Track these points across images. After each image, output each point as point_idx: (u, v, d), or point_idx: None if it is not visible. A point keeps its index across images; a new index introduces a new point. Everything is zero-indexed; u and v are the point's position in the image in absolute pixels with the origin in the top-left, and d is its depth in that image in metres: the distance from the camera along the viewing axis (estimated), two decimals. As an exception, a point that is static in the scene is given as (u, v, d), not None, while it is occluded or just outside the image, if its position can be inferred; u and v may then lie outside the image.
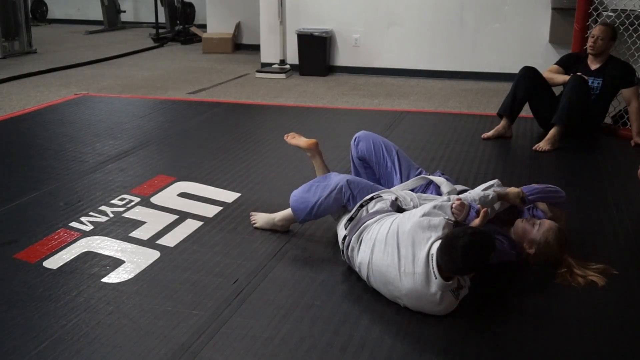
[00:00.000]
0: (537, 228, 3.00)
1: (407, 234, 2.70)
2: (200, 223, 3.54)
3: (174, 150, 4.91)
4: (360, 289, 2.88)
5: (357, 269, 2.91)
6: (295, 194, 3.31)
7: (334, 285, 2.93)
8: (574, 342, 2.54)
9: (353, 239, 2.92)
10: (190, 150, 4.85)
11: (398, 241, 2.71)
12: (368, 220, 2.93)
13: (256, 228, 3.47)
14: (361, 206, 3.03)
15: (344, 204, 3.17)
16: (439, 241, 2.61)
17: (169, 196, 3.90)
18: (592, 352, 2.48)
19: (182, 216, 3.62)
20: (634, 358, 2.47)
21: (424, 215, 2.75)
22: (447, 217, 2.75)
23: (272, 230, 3.44)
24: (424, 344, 2.51)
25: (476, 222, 2.78)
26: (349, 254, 2.95)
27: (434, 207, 2.81)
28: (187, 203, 3.80)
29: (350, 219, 3.01)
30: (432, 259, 2.59)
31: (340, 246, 3.02)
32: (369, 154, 3.52)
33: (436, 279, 2.58)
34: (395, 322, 2.64)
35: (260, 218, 3.49)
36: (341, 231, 3.05)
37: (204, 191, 3.98)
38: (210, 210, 3.70)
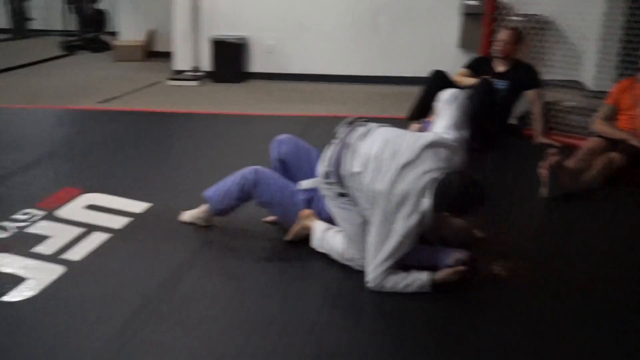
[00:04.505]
0: (448, 226, 3.13)
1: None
2: (108, 235, 3.45)
3: (82, 161, 4.77)
4: (270, 298, 2.87)
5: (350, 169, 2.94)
6: (212, 187, 3.46)
7: (245, 293, 2.91)
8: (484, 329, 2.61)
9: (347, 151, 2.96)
10: (99, 161, 4.72)
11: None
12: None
13: (181, 222, 3.56)
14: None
15: (248, 190, 3.33)
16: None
17: (75, 209, 3.79)
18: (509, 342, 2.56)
19: (89, 229, 3.52)
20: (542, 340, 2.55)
21: None
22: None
23: (195, 224, 3.52)
24: (335, 347, 2.52)
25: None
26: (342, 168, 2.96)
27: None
28: (94, 215, 3.70)
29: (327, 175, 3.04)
30: (432, 184, 2.77)
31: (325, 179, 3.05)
32: (290, 157, 3.49)
33: (429, 198, 2.75)
34: (305, 330, 2.64)
35: (185, 212, 3.58)
36: (321, 171, 3.07)
37: (112, 202, 3.88)
38: (119, 222, 3.62)
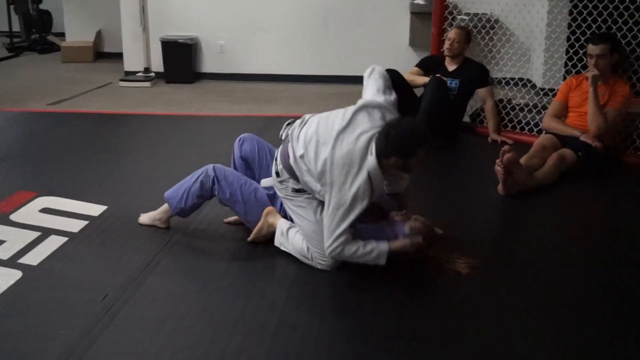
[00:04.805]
0: (409, 224, 3.11)
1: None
2: (65, 239, 3.40)
3: (34, 164, 4.68)
4: (234, 298, 2.86)
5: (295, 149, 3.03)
6: (172, 188, 3.45)
7: (208, 294, 2.90)
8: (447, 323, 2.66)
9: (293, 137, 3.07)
10: (52, 164, 4.64)
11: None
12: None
13: (140, 224, 3.52)
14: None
15: (209, 187, 3.32)
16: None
17: (30, 212, 3.71)
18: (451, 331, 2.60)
19: (45, 233, 3.45)
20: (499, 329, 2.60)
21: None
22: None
23: (154, 226, 3.49)
24: (300, 346, 2.53)
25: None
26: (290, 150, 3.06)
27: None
28: (50, 219, 3.64)
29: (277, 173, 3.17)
30: (372, 142, 2.85)
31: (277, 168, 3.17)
32: (252, 155, 3.50)
33: (371, 155, 2.82)
34: (270, 330, 2.63)
35: (143, 215, 3.55)
36: (274, 172, 3.20)
37: (68, 205, 3.82)
38: (76, 225, 3.56)
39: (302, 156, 3.00)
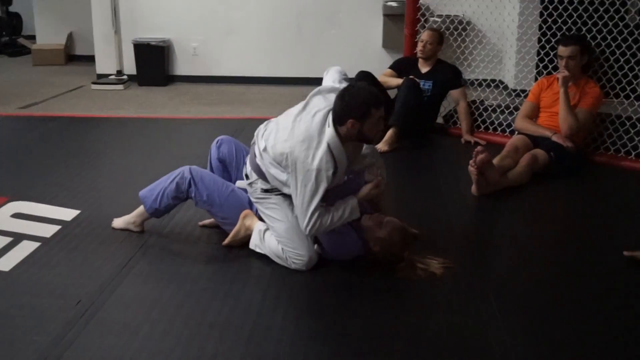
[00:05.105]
0: (382, 226, 3.12)
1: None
2: (37, 244, 3.36)
3: (5, 168, 4.62)
4: (210, 301, 2.86)
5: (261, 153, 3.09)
6: (147, 187, 3.44)
7: (183, 298, 2.88)
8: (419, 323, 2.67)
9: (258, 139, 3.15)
10: (23, 168, 4.58)
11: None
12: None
13: (113, 228, 3.51)
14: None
15: (184, 189, 3.32)
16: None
17: (1, 218, 3.67)
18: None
19: (17, 238, 3.41)
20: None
21: None
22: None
23: (128, 230, 3.47)
24: (276, 349, 2.53)
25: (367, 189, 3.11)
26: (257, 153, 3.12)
27: None
28: (22, 224, 3.59)
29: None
30: (329, 116, 2.94)
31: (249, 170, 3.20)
32: (229, 157, 3.51)
33: (329, 127, 2.90)
34: (246, 333, 2.63)
35: (117, 219, 3.53)
36: (248, 176, 3.22)
37: (40, 210, 3.78)
38: (48, 230, 3.52)
39: (264, 149, 3.07)
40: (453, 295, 2.96)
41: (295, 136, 2.94)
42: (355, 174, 3.24)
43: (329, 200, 3.04)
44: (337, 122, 2.93)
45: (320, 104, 3.02)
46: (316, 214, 2.96)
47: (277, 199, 3.13)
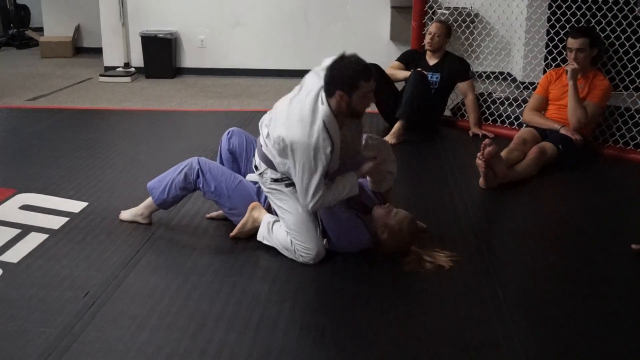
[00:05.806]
0: (393, 214, 3.13)
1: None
2: (45, 236, 3.37)
3: (13, 160, 4.64)
4: (217, 293, 2.86)
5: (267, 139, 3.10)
6: (155, 178, 3.45)
7: (190, 290, 2.89)
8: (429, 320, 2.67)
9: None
10: (31, 160, 4.60)
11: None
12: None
13: (121, 220, 3.52)
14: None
15: (192, 180, 3.32)
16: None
17: (9, 210, 3.68)
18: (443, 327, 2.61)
19: (25, 230, 3.43)
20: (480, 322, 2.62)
21: None
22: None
23: (135, 222, 3.48)
24: (283, 341, 2.53)
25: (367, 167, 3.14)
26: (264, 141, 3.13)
27: None
28: (30, 216, 3.61)
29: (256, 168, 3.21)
30: (322, 92, 2.94)
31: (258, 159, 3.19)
32: (240, 149, 3.51)
33: (322, 104, 2.90)
34: (253, 325, 2.63)
35: (124, 211, 3.54)
36: (258, 167, 3.21)
37: (48, 202, 3.79)
38: (56, 222, 3.54)
39: (267, 135, 3.08)
40: (460, 288, 2.96)
41: (291, 118, 2.95)
42: (375, 194, 3.29)
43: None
44: (327, 94, 2.93)
45: (313, 84, 3.01)
46: (319, 194, 2.96)
47: (288, 190, 3.11)
